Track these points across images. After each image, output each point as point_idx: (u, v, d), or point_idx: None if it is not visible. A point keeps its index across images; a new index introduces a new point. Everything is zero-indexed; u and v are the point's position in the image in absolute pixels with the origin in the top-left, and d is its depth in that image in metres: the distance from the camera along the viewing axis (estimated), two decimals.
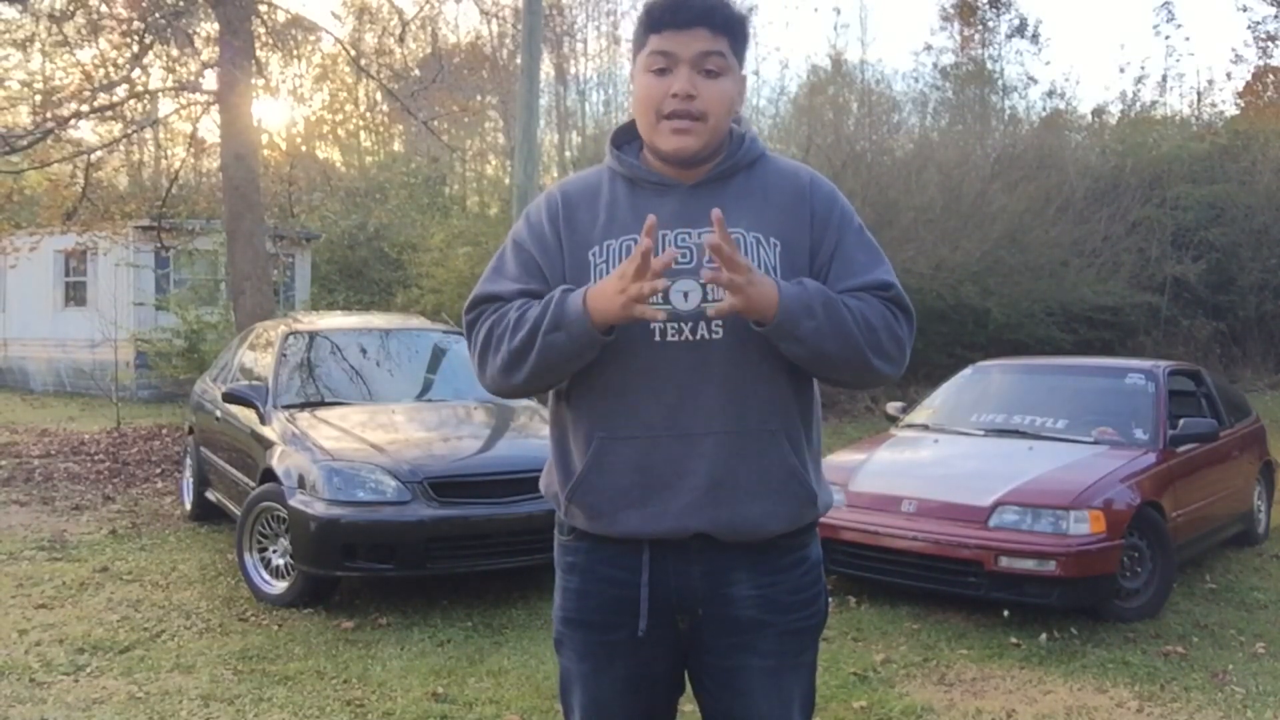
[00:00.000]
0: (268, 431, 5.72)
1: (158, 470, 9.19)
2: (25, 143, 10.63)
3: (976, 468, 5.52)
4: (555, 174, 21.16)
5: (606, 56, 25.49)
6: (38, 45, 11.54)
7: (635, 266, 1.61)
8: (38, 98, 11.72)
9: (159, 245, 13.57)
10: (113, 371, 13.83)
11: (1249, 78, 25.13)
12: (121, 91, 11.18)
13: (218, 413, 6.67)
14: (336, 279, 19.27)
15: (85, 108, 10.95)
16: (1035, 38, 24.51)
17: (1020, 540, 4.84)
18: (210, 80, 11.13)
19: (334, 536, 4.91)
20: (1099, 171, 18.19)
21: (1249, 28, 32.88)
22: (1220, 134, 20.27)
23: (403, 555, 4.94)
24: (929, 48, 40.44)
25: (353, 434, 5.49)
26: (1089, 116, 22.35)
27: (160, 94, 12.18)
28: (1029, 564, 4.79)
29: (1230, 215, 17.98)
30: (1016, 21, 24.54)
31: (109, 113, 11.33)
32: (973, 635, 4.85)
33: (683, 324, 1.71)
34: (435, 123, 13.55)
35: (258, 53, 11.17)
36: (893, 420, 6.66)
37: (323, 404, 6.03)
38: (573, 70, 24.48)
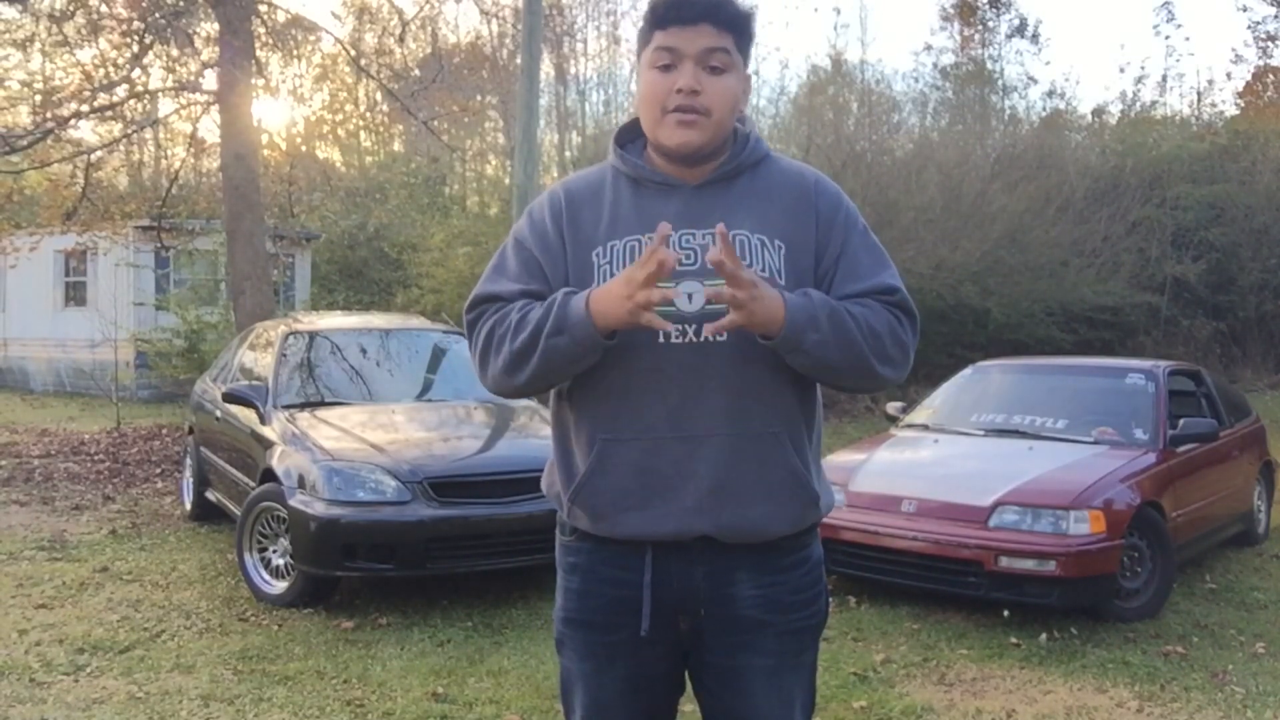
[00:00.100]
0: (268, 431, 5.72)
1: (158, 470, 9.19)
2: (25, 143, 10.63)
3: (976, 468, 5.52)
4: (555, 174, 21.16)
5: (606, 56, 25.51)
6: (38, 45, 11.55)
7: (646, 273, 1.59)
8: (38, 98, 11.73)
9: (159, 245, 13.58)
10: (113, 371, 13.83)
11: (1249, 78, 25.18)
12: (121, 91, 11.19)
13: (218, 413, 6.67)
14: (336, 279, 19.28)
15: (85, 108, 10.95)
16: (1035, 38, 24.53)
17: (1020, 540, 4.84)
18: (210, 80, 11.14)
19: (334, 536, 4.91)
20: (1099, 171, 18.19)
21: (1249, 28, 32.92)
22: (1220, 134, 20.27)
23: (403, 555, 4.94)
24: (929, 48, 40.49)
25: (353, 434, 5.49)
26: (1089, 116, 22.39)
27: (160, 94, 12.18)
28: (1029, 564, 4.79)
29: (1230, 215, 17.98)
30: (1016, 21, 24.58)
31: (109, 113, 11.33)
32: (973, 635, 4.85)
33: (686, 326, 1.70)
34: (435, 123, 13.55)
35: (258, 53, 11.17)
36: (893, 420, 6.66)
37: (323, 404, 6.03)
38: (573, 70, 24.50)
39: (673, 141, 1.75)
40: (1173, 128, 21.88)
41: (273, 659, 4.39)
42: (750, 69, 1.86)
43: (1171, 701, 4.05)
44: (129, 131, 12.85)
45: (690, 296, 1.68)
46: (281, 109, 14.95)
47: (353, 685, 4.10)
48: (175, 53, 11.95)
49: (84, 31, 11.17)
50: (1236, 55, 39.81)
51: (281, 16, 12.11)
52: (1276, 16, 23.27)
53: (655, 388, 1.71)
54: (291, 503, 5.06)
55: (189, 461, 7.46)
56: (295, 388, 6.20)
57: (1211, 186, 18.23)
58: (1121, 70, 43.82)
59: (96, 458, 9.83)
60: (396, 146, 24.94)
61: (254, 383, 6.32)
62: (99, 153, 12.06)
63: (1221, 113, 23.66)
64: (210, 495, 6.87)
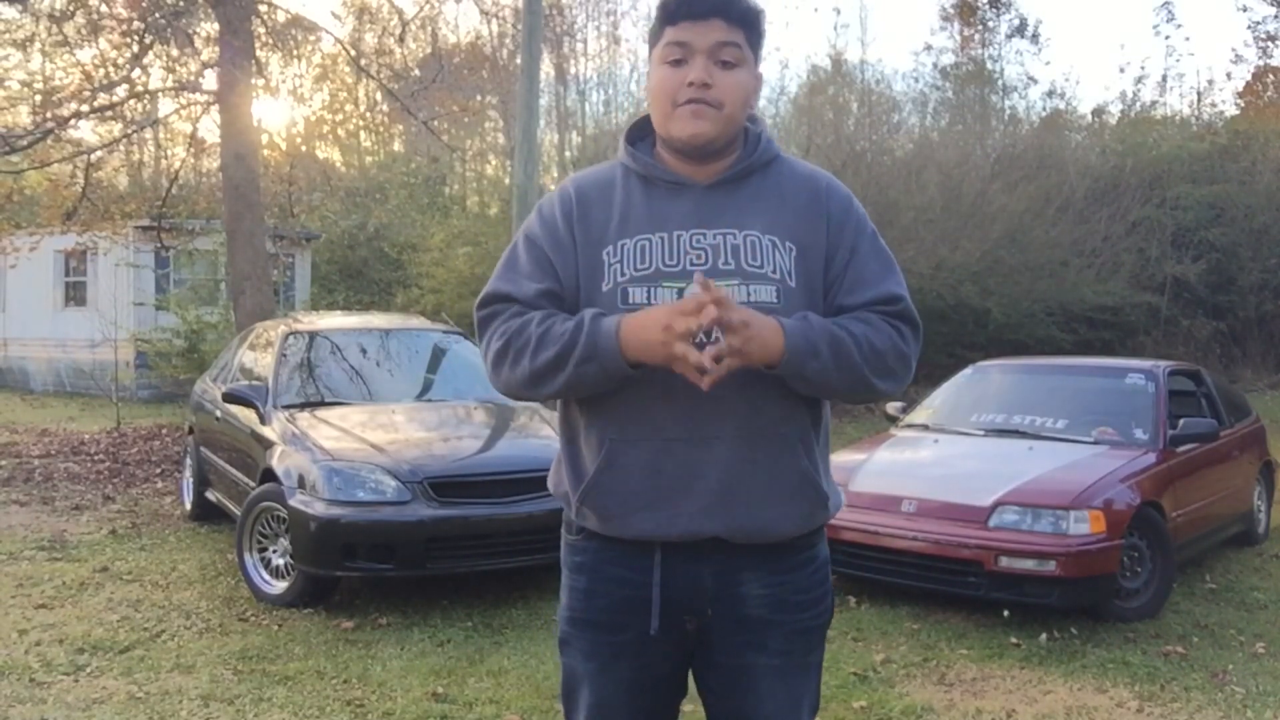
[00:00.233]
0: (268, 431, 5.72)
1: (158, 470, 9.19)
2: (25, 143, 10.64)
3: (976, 468, 5.52)
4: (555, 174, 21.17)
5: (606, 56, 25.58)
6: (38, 45, 11.55)
7: (687, 327, 1.58)
8: (38, 98, 11.72)
9: (159, 245, 13.57)
10: (113, 371, 13.84)
11: (1249, 78, 25.16)
12: (121, 91, 11.19)
13: (218, 413, 6.67)
14: (336, 279, 19.28)
15: (85, 108, 10.95)
16: (1035, 38, 24.51)
17: (1020, 540, 4.84)
18: (210, 80, 11.14)
19: (334, 536, 4.91)
20: (1099, 171, 18.19)
21: (1249, 28, 32.87)
22: (1220, 134, 20.27)
23: (403, 555, 4.94)
24: (929, 48, 40.44)
25: (353, 434, 5.49)
26: (1089, 116, 22.37)
27: (160, 94, 12.18)
28: (1029, 564, 4.78)
29: (1230, 215, 17.98)
30: (1016, 21, 24.56)
31: (109, 113, 11.33)
32: (973, 635, 4.85)
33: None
34: (435, 123, 13.56)
35: (258, 53, 11.17)
36: (893, 420, 6.66)
37: (323, 404, 6.03)
38: (573, 70, 24.51)
39: (684, 133, 1.74)
40: (1173, 128, 21.87)
41: (273, 659, 4.39)
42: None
43: (1171, 701, 4.05)
44: (129, 131, 12.85)
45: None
46: (281, 109, 14.97)
47: (353, 685, 4.10)
48: (175, 53, 11.95)
49: (84, 31, 11.17)
50: (1236, 55, 39.79)
51: (281, 16, 12.12)
52: (1276, 16, 23.28)
53: (664, 389, 1.70)
54: (291, 503, 5.06)
55: (189, 461, 7.46)
56: (295, 388, 6.20)
57: (1211, 186, 18.23)
58: (1121, 70, 43.81)
59: (96, 458, 9.84)
60: (396, 146, 24.96)
61: (254, 383, 6.32)
62: (99, 153, 12.06)
63: (1221, 113, 23.68)
64: (210, 495, 6.87)
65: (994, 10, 24.71)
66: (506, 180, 20.56)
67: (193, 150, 12.76)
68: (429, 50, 20.33)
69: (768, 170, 1.82)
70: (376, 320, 7.89)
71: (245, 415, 6.07)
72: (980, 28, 24.96)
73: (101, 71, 11.04)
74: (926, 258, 14.12)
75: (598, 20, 26.16)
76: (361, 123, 16.77)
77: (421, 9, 14.63)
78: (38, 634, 4.67)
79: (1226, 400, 6.80)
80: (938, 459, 5.80)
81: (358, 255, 19.75)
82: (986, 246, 14.99)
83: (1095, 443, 5.67)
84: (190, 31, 11.38)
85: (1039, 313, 15.59)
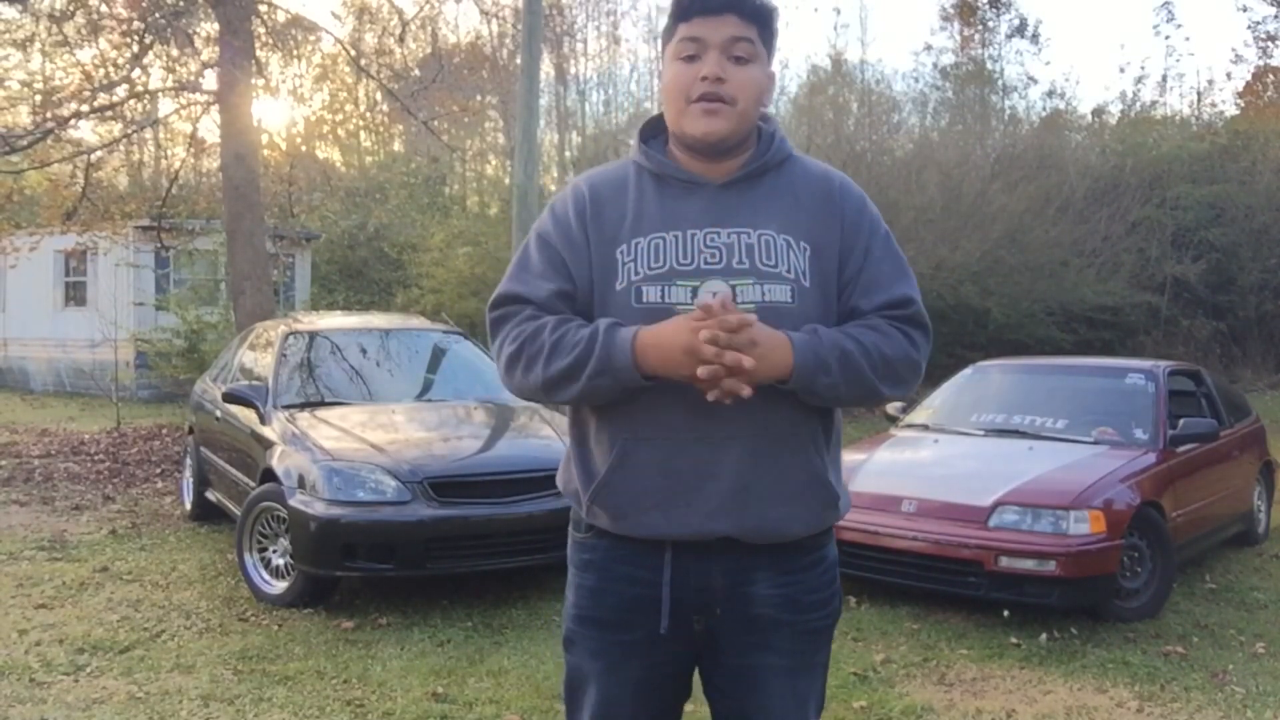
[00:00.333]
0: (268, 431, 5.72)
1: (158, 470, 9.19)
2: (25, 143, 10.63)
3: (976, 468, 5.52)
4: (555, 174, 21.20)
5: (606, 56, 25.59)
6: (38, 45, 11.54)
7: (711, 355, 1.59)
8: (38, 98, 11.72)
9: (159, 245, 13.58)
10: (113, 371, 13.84)
11: (1249, 78, 25.16)
12: (121, 91, 11.19)
13: (218, 413, 6.67)
14: (336, 279, 19.29)
15: (85, 108, 10.95)
16: (1035, 38, 24.51)
17: (1020, 540, 4.84)
18: (210, 80, 11.14)
19: (334, 536, 4.91)
20: (1099, 171, 18.21)
21: (1249, 28, 32.87)
22: (1220, 134, 20.28)
23: (403, 555, 4.94)
24: (929, 48, 40.42)
25: (353, 434, 5.49)
26: (1089, 116, 22.39)
27: (160, 94, 12.18)
28: (1029, 564, 4.78)
29: (1230, 215, 17.98)
30: (1016, 21, 24.55)
31: (109, 113, 11.33)
32: (973, 635, 4.85)
33: None
34: (435, 123, 13.56)
35: (258, 53, 11.17)
36: (893, 420, 6.66)
37: (323, 404, 6.03)
38: (573, 70, 24.53)
39: (697, 130, 1.74)
40: (1173, 128, 21.89)
41: (273, 659, 4.39)
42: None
43: (1171, 701, 4.05)
44: (129, 131, 12.85)
45: (714, 295, 1.68)
46: (281, 109, 14.98)
47: (353, 685, 4.10)
48: (175, 53, 11.95)
49: (84, 31, 11.17)
50: (1236, 55, 39.80)
51: (281, 16, 12.12)
52: (1276, 16, 23.27)
53: (676, 388, 1.69)
54: (291, 503, 5.06)
55: (189, 461, 7.45)
56: (295, 388, 6.20)
57: (1211, 186, 18.24)
58: (1121, 70, 43.83)
59: (96, 458, 9.83)
60: (396, 146, 24.96)
61: (254, 383, 6.31)
62: (99, 153, 12.06)
63: (1221, 113, 23.71)
64: (210, 495, 6.87)
65: (994, 10, 24.72)
66: (506, 180, 20.57)
67: (193, 150, 12.77)
68: (429, 50, 20.33)
69: (781, 169, 1.82)
70: (376, 320, 7.88)
71: (245, 415, 6.07)
72: (980, 28, 24.96)
73: (101, 71, 11.04)
74: (926, 258, 14.13)
75: (598, 20, 26.18)
76: (361, 123, 16.77)
77: (421, 9, 14.63)
78: (38, 634, 4.66)
79: (1226, 400, 6.80)
80: (938, 459, 5.80)
81: (358, 255, 19.75)
82: (986, 246, 15.00)
83: (1095, 443, 5.67)
84: (190, 31, 11.38)
85: (1039, 313, 15.60)
